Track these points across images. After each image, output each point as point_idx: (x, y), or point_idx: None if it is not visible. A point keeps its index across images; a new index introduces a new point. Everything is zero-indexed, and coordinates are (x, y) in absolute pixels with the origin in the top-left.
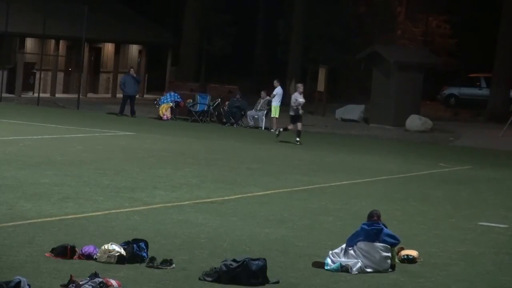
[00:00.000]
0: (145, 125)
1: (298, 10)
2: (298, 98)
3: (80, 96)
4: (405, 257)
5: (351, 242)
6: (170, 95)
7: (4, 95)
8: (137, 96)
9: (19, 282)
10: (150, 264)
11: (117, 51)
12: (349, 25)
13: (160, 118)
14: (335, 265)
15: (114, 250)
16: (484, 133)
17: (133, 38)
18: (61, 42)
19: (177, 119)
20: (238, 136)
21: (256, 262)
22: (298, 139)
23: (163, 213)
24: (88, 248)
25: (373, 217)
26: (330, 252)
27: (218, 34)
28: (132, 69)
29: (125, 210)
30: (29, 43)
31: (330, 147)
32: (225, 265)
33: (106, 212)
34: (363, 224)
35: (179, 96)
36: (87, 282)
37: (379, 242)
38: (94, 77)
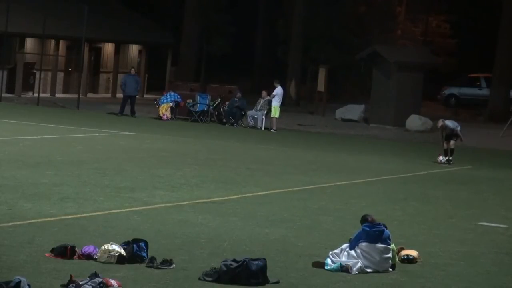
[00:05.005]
0: (145, 125)
1: (298, 10)
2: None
3: (80, 96)
4: (405, 257)
5: (353, 244)
6: (170, 95)
7: (4, 95)
8: (137, 96)
9: (19, 282)
10: (150, 264)
11: (117, 51)
12: (349, 25)
13: (160, 118)
14: (335, 265)
15: (114, 250)
16: (484, 133)
17: (133, 38)
18: (61, 42)
19: (177, 119)
20: (238, 136)
21: (256, 262)
22: (450, 158)
23: (163, 213)
24: (88, 248)
25: (368, 220)
26: (330, 252)
27: (218, 34)
28: (133, 69)
29: (125, 210)
30: (29, 43)
31: (330, 147)
32: (225, 265)
33: (106, 212)
34: (364, 225)
35: (179, 96)
36: (87, 282)
37: (381, 243)
38: (94, 77)
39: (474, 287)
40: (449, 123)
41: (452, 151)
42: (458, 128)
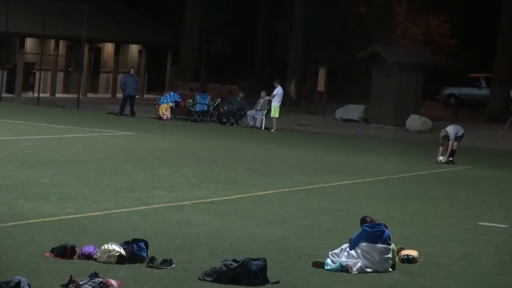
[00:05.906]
0: (145, 125)
1: (298, 10)
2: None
3: (80, 96)
4: (405, 257)
5: (353, 244)
6: (170, 95)
7: (4, 95)
8: (137, 96)
9: (19, 282)
10: (150, 264)
11: (117, 51)
12: (349, 25)
13: (160, 118)
14: (335, 265)
15: (114, 250)
16: (484, 133)
17: (133, 38)
18: (61, 42)
19: (177, 119)
20: (238, 136)
21: (256, 262)
22: (451, 158)
23: (163, 213)
24: (88, 248)
25: (367, 221)
26: (330, 252)
27: (218, 34)
28: (132, 69)
29: (125, 210)
30: (29, 43)
31: (330, 147)
32: (225, 265)
33: (106, 212)
34: (365, 226)
35: (179, 96)
36: (87, 282)
37: (381, 244)
38: (94, 77)
39: (474, 287)
40: (450, 130)
41: (453, 152)
42: (461, 133)
